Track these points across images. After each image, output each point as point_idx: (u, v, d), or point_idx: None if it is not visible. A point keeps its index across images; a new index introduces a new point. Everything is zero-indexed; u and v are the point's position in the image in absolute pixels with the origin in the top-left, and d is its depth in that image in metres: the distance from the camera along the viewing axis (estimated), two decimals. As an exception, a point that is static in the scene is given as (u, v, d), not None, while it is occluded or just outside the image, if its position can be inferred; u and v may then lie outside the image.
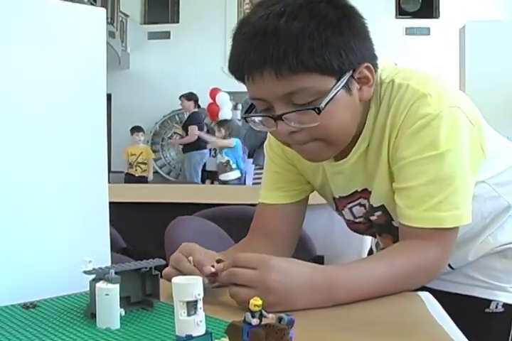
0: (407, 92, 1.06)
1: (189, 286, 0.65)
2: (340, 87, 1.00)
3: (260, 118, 1.08)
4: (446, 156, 1.02)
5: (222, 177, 7.29)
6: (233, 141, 7.23)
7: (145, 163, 8.76)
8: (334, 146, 1.08)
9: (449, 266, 1.24)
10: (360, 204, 1.23)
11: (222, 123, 7.73)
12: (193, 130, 8.14)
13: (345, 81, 1.00)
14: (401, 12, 11.44)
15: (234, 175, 7.25)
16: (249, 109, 1.10)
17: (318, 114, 0.98)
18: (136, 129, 8.89)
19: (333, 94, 0.99)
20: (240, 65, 1.00)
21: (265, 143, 1.33)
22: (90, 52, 1.05)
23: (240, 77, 1.03)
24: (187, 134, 8.20)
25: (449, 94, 1.07)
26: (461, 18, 8.22)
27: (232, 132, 7.37)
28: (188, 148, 8.30)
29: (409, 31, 11.26)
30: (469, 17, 7.93)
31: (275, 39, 0.95)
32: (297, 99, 0.99)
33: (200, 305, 0.66)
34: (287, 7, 0.97)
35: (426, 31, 11.18)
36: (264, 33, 0.96)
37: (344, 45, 0.98)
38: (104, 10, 1.09)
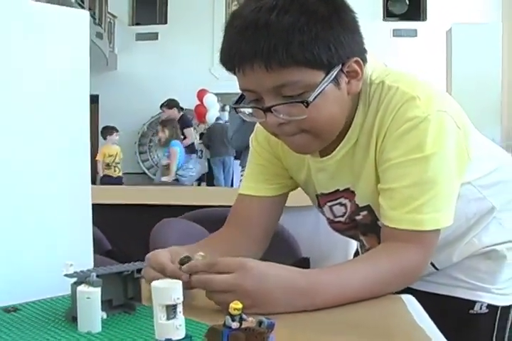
0: (396, 94, 1.06)
1: (168, 290, 0.65)
2: (329, 81, 1.01)
3: (250, 109, 1.09)
4: (431, 159, 1.03)
5: (164, 178, 7.32)
6: (177, 150, 7.24)
7: (119, 163, 8.56)
8: (321, 139, 1.09)
9: (434, 266, 1.25)
10: (340, 204, 1.24)
11: (166, 123, 7.59)
12: (191, 131, 8.22)
13: (334, 75, 1.01)
14: (388, 14, 11.50)
15: (173, 177, 7.32)
16: (239, 100, 1.11)
17: (307, 107, 1.00)
18: (113, 129, 8.52)
19: (321, 88, 1.00)
20: (231, 57, 1.01)
21: (251, 136, 1.33)
22: (73, 55, 1.05)
23: (230, 69, 1.04)
24: (185, 138, 8.20)
25: (437, 97, 1.08)
26: (447, 21, 8.27)
27: (174, 133, 7.30)
28: (187, 150, 8.30)
29: (397, 33, 11.32)
30: (456, 20, 7.98)
31: (266, 33, 0.96)
32: (286, 92, 1.00)
33: (179, 308, 0.66)
34: (279, 1, 0.98)
35: (413, 33, 11.25)
36: (255, 26, 0.97)
37: (334, 40, 0.99)
38: (87, 12, 1.09)
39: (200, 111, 9.01)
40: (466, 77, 6.22)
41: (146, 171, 11.55)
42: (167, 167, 7.43)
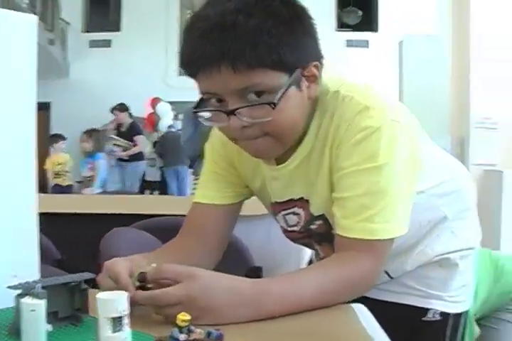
0: (350, 104, 1.08)
1: (114, 302, 0.64)
2: (292, 84, 1.02)
3: (210, 113, 1.07)
4: (383, 169, 1.04)
5: (87, 191, 7.18)
6: (102, 164, 7.13)
7: (68, 172, 8.36)
8: (282, 143, 1.09)
9: (388, 275, 1.26)
10: (294, 213, 1.23)
11: (92, 133, 7.43)
12: (143, 139, 8.18)
13: (296, 78, 1.02)
14: (342, 25, 11.65)
15: (97, 189, 7.19)
16: (199, 104, 1.09)
17: (273, 108, 1.00)
18: (58, 137, 8.27)
19: (285, 90, 1.01)
20: (195, 60, 1.00)
21: (206, 143, 1.32)
22: (20, 60, 1.02)
23: (193, 72, 1.02)
24: (135, 145, 8.14)
25: (390, 107, 1.09)
26: (398, 32, 8.40)
27: (100, 144, 7.17)
28: (134, 157, 8.24)
29: (350, 44, 11.47)
30: (406, 31, 8.11)
31: (233, 34, 0.96)
32: (251, 94, 1.00)
33: (125, 320, 0.65)
34: (242, 4, 0.99)
35: (365, 44, 11.41)
36: (222, 28, 0.97)
37: (297, 43, 1.00)
38: (35, 17, 1.06)
39: (153, 120, 8.94)
40: (418, 88, 6.31)
41: (99, 180, 11.38)
42: (90, 179, 7.31)
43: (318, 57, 1.08)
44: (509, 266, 1.50)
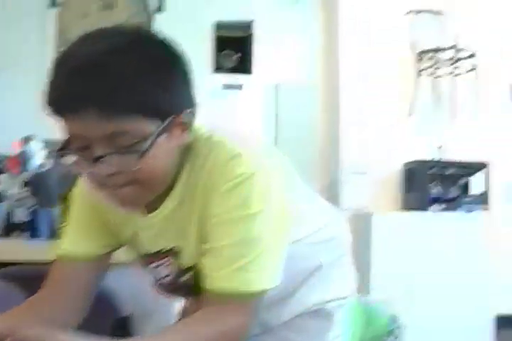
0: (223, 151, 1.05)
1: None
2: (163, 131, 0.98)
3: (74, 158, 1.01)
4: (256, 217, 1.02)
5: None
6: None
7: None
8: (151, 192, 1.04)
9: (265, 326, 1.22)
10: (164, 265, 1.19)
11: None
12: (6, 179, 7.83)
13: (169, 125, 0.98)
14: (218, 68, 11.87)
15: None
16: (64, 147, 1.01)
17: (141, 157, 0.95)
18: None
19: (156, 138, 0.96)
20: (61, 100, 0.94)
21: (74, 188, 1.25)
22: None
23: (58, 112, 0.95)
24: None
25: (263, 154, 1.08)
26: (272, 76, 8.66)
27: None
28: None
29: (226, 87, 11.67)
30: (280, 75, 8.37)
31: (104, 75, 0.91)
32: (119, 141, 0.94)
33: None
34: (117, 44, 0.93)
35: (240, 87, 11.66)
36: (92, 68, 0.91)
37: (171, 89, 0.97)
38: None
39: (23, 159, 8.61)
40: (291, 133, 6.48)
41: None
42: None
43: (192, 103, 1.05)
44: (378, 310, 1.53)
